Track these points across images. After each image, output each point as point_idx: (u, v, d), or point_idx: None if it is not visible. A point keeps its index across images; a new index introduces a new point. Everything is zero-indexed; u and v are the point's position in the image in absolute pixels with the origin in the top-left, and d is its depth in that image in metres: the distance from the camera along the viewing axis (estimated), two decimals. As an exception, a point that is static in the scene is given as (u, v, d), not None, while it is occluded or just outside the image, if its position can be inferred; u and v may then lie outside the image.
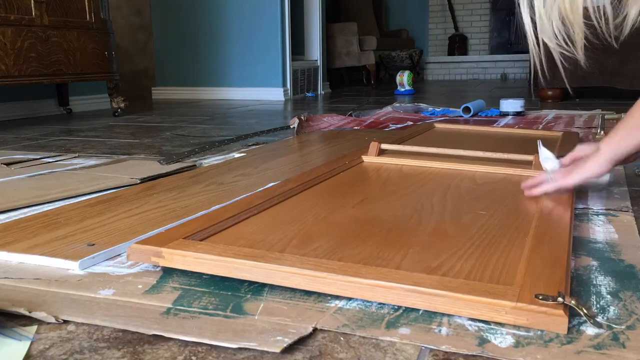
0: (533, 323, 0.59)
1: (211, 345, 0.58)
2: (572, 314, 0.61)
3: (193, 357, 0.56)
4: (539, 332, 0.59)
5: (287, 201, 1.04)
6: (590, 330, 0.60)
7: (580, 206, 1.10)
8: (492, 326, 0.60)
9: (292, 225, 0.90)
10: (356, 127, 2.37)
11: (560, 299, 0.60)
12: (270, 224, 0.91)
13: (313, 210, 0.99)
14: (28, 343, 0.59)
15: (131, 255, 0.77)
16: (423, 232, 0.87)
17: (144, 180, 1.34)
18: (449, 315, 0.63)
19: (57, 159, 1.70)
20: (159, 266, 0.77)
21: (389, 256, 0.77)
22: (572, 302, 0.60)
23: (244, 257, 0.72)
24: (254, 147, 1.90)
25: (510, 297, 0.61)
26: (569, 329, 0.60)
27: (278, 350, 0.56)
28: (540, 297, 0.61)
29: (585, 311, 0.60)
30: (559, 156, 1.15)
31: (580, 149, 1.06)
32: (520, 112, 2.71)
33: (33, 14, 2.63)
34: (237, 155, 1.70)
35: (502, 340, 0.58)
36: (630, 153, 0.92)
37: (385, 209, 1.00)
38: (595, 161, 0.95)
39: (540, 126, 2.32)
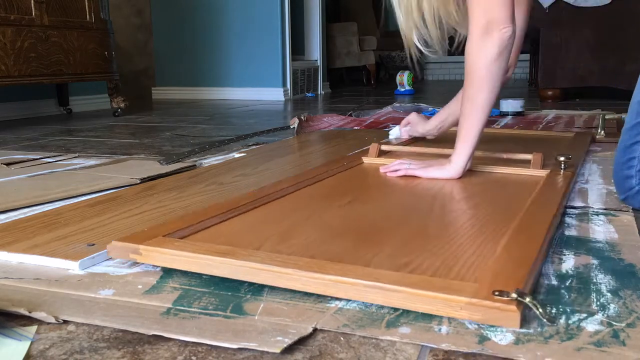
0: (488, 319, 0.59)
1: (211, 346, 0.58)
2: (578, 311, 0.61)
3: (193, 357, 0.56)
4: (539, 329, 0.59)
5: (276, 201, 1.05)
6: (590, 327, 0.60)
7: (581, 205, 1.10)
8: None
9: (274, 224, 0.91)
10: (356, 127, 2.37)
11: (514, 295, 0.60)
12: (253, 223, 0.92)
13: (299, 210, 0.99)
14: (28, 343, 0.59)
15: (111, 251, 0.78)
16: (404, 231, 0.88)
17: (144, 180, 1.34)
18: (449, 315, 0.63)
19: (57, 159, 1.70)
20: (159, 265, 0.77)
21: (361, 254, 0.77)
22: (527, 299, 0.60)
23: (215, 253, 0.73)
24: (254, 147, 1.90)
25: (467, 293, 0.61)
26: (569, 325, 0.60)
27: (278, 351, 0.56)
28: (497, 294, 0.61)
29: (539, 308, 0.60)
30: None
31: (411, 116, 1.71)
32: (520, 112, 2.71)
33: (33, 14, 2.63)
34: (237, 155, 1.70)
35: (502, 337, 0.58)
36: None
37: (373, 209, 1.01)
38: (453, 168, 1.20)
39: (540, 126, 2.32)
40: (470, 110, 1.15)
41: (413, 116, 1.71)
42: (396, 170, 1.26)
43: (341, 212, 0.97)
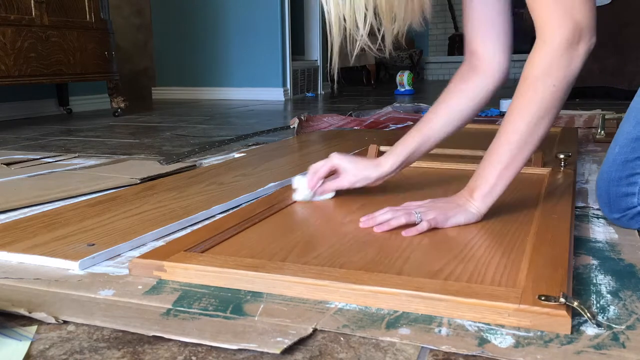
0: (536, 325, 0.59)
1: (211, 346, 0.58)
2: (578, 314, 0.61)
3: (193, 358, 0.56)
4: (539, 332, 0.59)
5: (287, 209, 1.04)
6: (590, 330, 0.60)
7: (581, 205, 1.10)
8: (492, 326, 0.60)
9: (293, 233, 0.90)
10: (356, 127, 2.37)
11: (562, 300, 0.60)
12: (271, 232, 0.91)
13: (313, 217, 0.99)
14: (28, 343, 0.59)
15: (133, 269, 0.76)
16: (424, 236, 0.87)
17: (144, 180, 1.34)
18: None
19: (57, 159, 1.70)
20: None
21: (390, 262, 0.77)
22: (575, 303, 0.60)
23: (246, 267, 0.72)
24: (254, 147, 1.90)
25: (513, 299, 0.61)
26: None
27: (278, 351, 0.56)
28: (543, 298, 0.61)
29: (587, 312, 0.60)
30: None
31: (337, 159, 1.08)
32: (520, 112, 2.70)
33: (33, 14, 2.63)
34: (237, 155, 1.70)
35: (502, 340, 0.58)
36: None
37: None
38: (473, 214, 0.92)
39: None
40: (525, 139, 0.88)
41: (340, 161, 1.08)
42: (389, 220, 0.92)
43: (356, 218, 0.96)
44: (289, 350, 0.57)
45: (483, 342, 0.57)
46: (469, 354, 0.56)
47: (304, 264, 0.75)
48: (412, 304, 0.64)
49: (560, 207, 0.98)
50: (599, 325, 0.60)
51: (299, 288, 0.68)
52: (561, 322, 0.59)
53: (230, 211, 1.06)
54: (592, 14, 0.85)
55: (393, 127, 2.37)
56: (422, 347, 0.57)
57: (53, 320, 0.63)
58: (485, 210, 0.93)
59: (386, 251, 0.81)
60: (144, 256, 0.77)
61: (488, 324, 0.61)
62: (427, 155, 1.44)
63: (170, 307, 0.66)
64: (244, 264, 0.73)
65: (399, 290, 0.65)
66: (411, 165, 1.38)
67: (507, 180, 0.91)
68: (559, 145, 1.59)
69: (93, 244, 0.86)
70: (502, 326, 0.60)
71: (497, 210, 0.99)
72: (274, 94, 4.29)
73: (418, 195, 1.11)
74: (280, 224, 0.96)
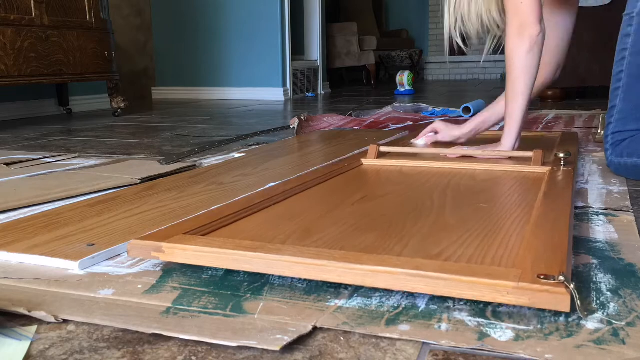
0: (535, 302, 0.59)
1: (211, 345, 0.58)
2: (573, 308, 0.62)
3: (193, 357, 0.56)
4: (538, 326, 0.59)
5: (287, 200, 1.05)
6: (590, 324, 0.60)
7: (581, 205, 1.10)
8: (491, 321, 0.60)
9: (292, 222, 0.90)
10: (356, 127, 2.37)
11: (561, 278, 0.60)
12: (270, 221, 0.91)
13: (313, 207, 0.99)
14: (28, 343, 0.59)
15: (132, 250, 0.77)
16: (424, 225, 0.88)
17: (144, 180, 1.34)
18: (448, 312, 0.63)
19: (57, 159, 1.71)
20: (159, 265, 0.77)
21: (389, 246, 0.77)
22: (572, 285, 0.60)
23: (245, 248, 0.72)
24: (254, 147, 1.90)
25: (512, 278, 0.61)
26: (569, 322, 0.60)
27: (278, 349, 0.56)
28: (542, 277, 0.61)
29: (577, 299, 0.60)
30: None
31: (439, 126, 1.64)
32: (520, 111, 2.70)
33: (33, 14, 2.63)
34: (237, 155, 1.70)
35: (502, 334, 0.58)
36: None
37: (386, 205, 1.01)
38: (505, 147, 1.40)
39: (540, 126, 2.32)
40: (512, 96, 1.36)
41: (439, 124, 1.64)
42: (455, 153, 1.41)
43: (356, 209, 0.97)
44: (289, 349, 0.57)
45: (483, 336, 0.57)
46: (469, 348, 0.56)
47: (302, 247, 0.75)
48: (411, 283, 0.63)
49: (559, 200, 0.98)
50: (584, 317, 0.61)
51: (297, 268, 0.68)
52: (561, 299, 0.58)
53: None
54: (532, 15, 1.29)
55: (393, 127, 2.37)
56: (423, 344, 0.57)
57: (53, 319, 0.63)
58: (511, 145, 1.39)
59: (386, 237, 0.81)
60: (143, 238, 0.77)
61: (488, 319, 0.61)
62: (427, 156, 1.45)
63: (170, 305, 0.66)
64: (243, 245, 0.73)
65: (398, 269, 0.64)
66: (409, 165, 1.39)
67: (516, 123, 1.38)
68: (559, 148, 1.59)
69: (93, 244, 0.86)
70: (502, 320, 0.60)
71: (495, 202, 0.99)
72: (274, 94, 4.30)
73: (418, 193, 1.11)
74: (279, 213, 0.96)
